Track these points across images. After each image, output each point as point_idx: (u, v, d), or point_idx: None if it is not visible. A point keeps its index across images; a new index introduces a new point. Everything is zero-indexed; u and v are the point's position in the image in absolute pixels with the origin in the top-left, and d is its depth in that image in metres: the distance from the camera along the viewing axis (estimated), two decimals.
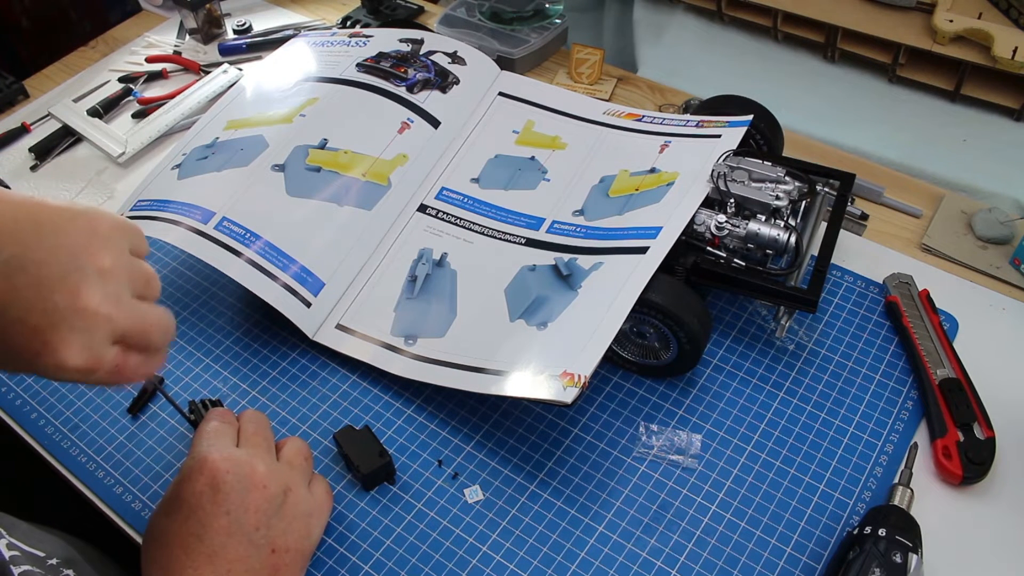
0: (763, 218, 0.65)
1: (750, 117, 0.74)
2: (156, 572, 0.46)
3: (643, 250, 0.65)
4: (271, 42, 1.02)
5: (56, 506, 0.67)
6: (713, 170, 0.68)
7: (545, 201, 0.75)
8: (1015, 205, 0.79)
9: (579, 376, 0.58)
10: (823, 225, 0.68)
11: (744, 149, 0.71)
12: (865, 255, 0.74)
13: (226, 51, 1.03)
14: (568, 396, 0.57)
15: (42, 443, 0.67)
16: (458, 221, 0.75)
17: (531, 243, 0.72)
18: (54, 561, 0.52)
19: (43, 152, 0.92)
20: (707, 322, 0.63)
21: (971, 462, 0.59)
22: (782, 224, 0.65)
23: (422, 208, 0.77)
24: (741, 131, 0.73)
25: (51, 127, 0.95)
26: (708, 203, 0.68)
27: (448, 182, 0.78)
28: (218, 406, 0.64)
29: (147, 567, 0.47)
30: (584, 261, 0.68)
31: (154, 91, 0.99)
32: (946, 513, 0.58)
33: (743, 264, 0.65)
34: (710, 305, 0.71)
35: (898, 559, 0.51)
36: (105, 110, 0.96)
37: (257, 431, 0.54)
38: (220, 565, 0.46)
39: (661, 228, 0.66)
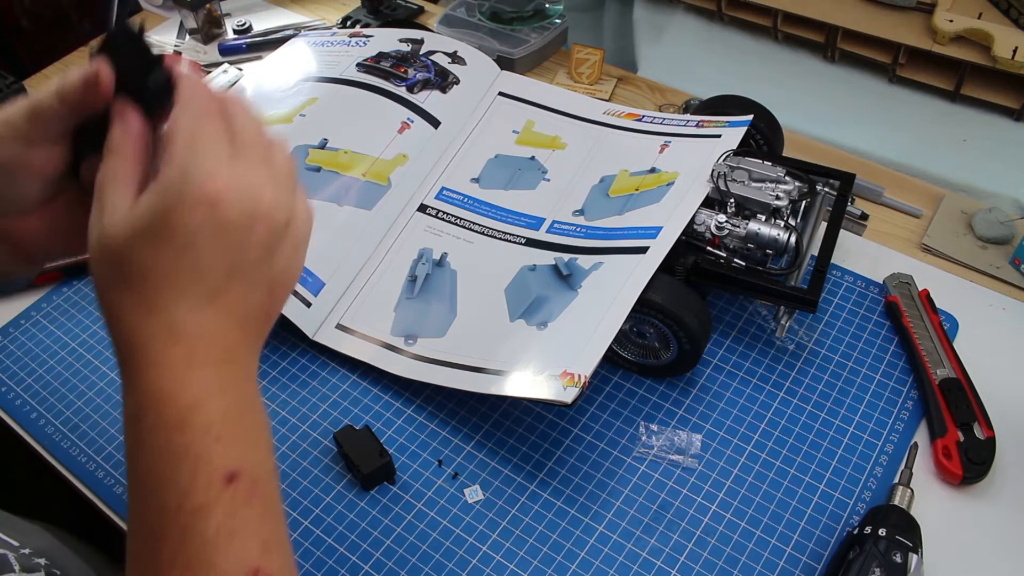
0: (763, 218, 0.65)
1: (750, 117, 0.74)
2: (136, 307, 0.37)
3: (643, 250, 0.65)
4: (271, 42, 1.02)
5: (55, 505, 0.67)
6: (713, 170, 0.68)
7: (545, 201, 0.75)
8: (1015, 205, 0.79)
9: (579, 376, 0.58)
10: (823, 225, 0.68)
11: (744, 149, 0.71)
12: (865, 255, 0.74)
13: (226, 51, 1.03)
14: (568, 396, 0.57)
15: (42, 443, 0.67)
16: (458, 221, 0.75)
17: (531, 243, 0.72)
18: (27, 550, 0.52)
19: None
20: (707, 322, 0.63)
21: (971, 462, 0.59)
22: (782, 224, 0.65)
23: (422, 208, 0.77)
24: (741, 131, 0.72)
25: None
26: (708, 203, 0.68)
27: (448, 182, 0.78)
28: (161, 63, 0.41)
29: (118, 299, 0.37)
30: (584, 261, 0.68)
31: None
32: (946, 513, 0.58)
33: (743, 264, 0.65)
34: (710, 305, 0.71)
35: (898, 559, 0.51)
36: None
37: (257, 135, 0.40)
38: (220, 307, 0.38)
39: (661, 228, 0.66)
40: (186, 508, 0.35)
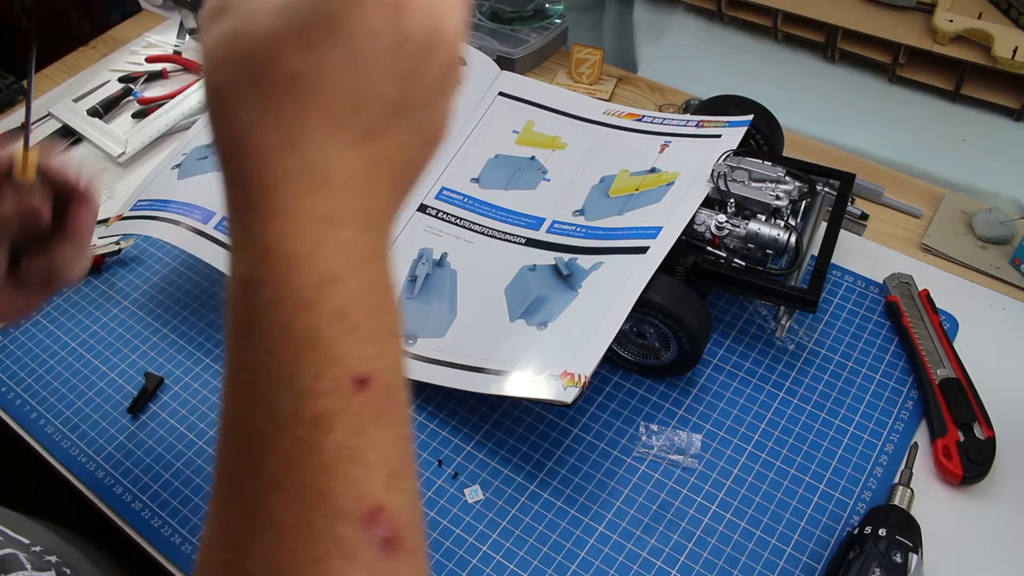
0: (763, 218, 0.65)
1: (750, 117, 0.74)
2: (274, 132, 0.27)
3: (643, 250, 0.65)
4: None
5: (55, 506, 0.67)
6: (713, 170, 0.68)
7: (545, 201, 0.75)
8: (1015, 205, 0.79)
9: (579, 376, 0.58)
10: (823, 225, 0.68)
11: (744, 149, 0.71)
12: (865, 255, 0.74)
13: None
14: (568, 396, 0.57)
15: (42, 443, 0.67)
16: (458, 221, 0.75)
17: (531, 243, 0.72)
18: (38, 548, 0.52)
19: None
20: (707, 322, 0.63)
21: (971, 462, 0.59)
22: (782, 224, 0.65)
23: (422, 208, 0.77)
24: (741, 131, 0.72)
25: (51, 127, 0.95)
26: (708, 203, 0.68)
27: (448, 182, 0.78)
28: None
29: (249, 118, 0.27)
30: (584, 261, 0.68)
31: (154, 91, 0.99)
32: (946, 513, 0.58)
33: (743, 264, 0.65)
34: (710, 305, 0.71)
35: (898, 559, 0.51)
36: (105, 110, 0.96)
37: None
38: (376, 149, 0.29)
39: (661, 228, 0.66)
40: (304, 415, 0.27)
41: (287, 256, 0.27)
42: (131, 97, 0.98)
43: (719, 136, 0.73)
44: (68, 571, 0.52)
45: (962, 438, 0.60)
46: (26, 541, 0.52)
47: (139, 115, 0.95)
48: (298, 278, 0.27)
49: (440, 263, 0.72)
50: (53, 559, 0.51)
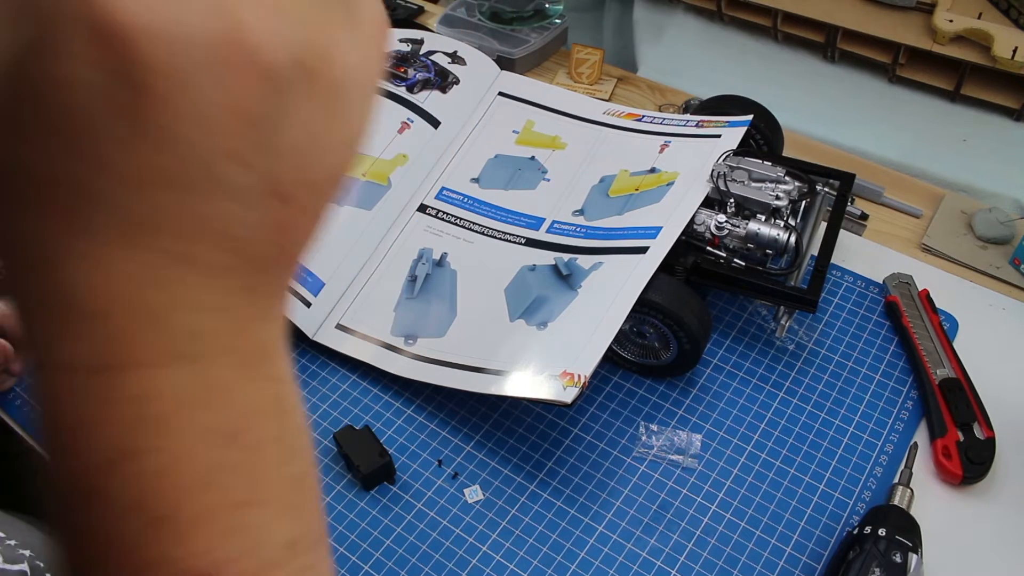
0: (763, 218, 0.65)
1: (750, 117, 0.74)
2: (8, 256, 0.19)
3: (643, 250, 0.65)
4: None
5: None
6: (713, 170, 0.68)
7: (545, 201, 0.75)
8: (1015, 205, 0.79)
9: (579, 376, 0.58)
10: (823, 225, 0.68)
11: (744, 149, 0.71)
12: (865, 255, 0.74)
13: None
14: (568, 396, 0.57)
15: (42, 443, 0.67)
16: (458, 221, 0.75)
17: (531, 243, 0.72)
18: (12, 542, 0.52)
19: None
20: (707, 322, 0.63)
21: (971, 462, 0.59)
22: (782, 224, 0.65)
23: (422, 208, 0.77)
24: (741, 131, 0.72)
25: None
26: (708, 203, 0.68)
27: (448, 182, 0.78)
28: None
29: None
30: (584, 261, 0.68)
31: None
32: (946, 513, 0.58)
33: (743, 264, 0.65)
34: (710, 305, 0.71)
35: (898, 559, 0.51)
36: None
37: None
38: (154, 241, 0.19)
39: (661, 228, 0.66)
40: None
41: (61, 425, 0.21)
42: None
43: (719, 136, 0.73)
44: (41, 564, 0.52)
45: (962, 438, 0.60)
46: (1, 535, 0.52)
47: None
48: (82, 453, 0.20)
49: (440, 263, 0.72)
50: (27, 553, 0.52)
